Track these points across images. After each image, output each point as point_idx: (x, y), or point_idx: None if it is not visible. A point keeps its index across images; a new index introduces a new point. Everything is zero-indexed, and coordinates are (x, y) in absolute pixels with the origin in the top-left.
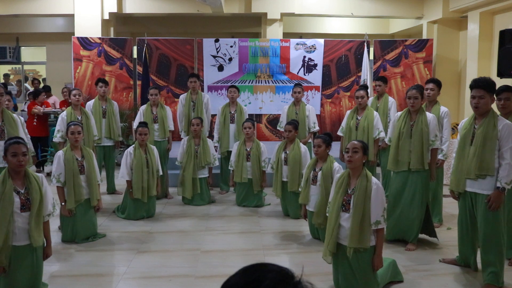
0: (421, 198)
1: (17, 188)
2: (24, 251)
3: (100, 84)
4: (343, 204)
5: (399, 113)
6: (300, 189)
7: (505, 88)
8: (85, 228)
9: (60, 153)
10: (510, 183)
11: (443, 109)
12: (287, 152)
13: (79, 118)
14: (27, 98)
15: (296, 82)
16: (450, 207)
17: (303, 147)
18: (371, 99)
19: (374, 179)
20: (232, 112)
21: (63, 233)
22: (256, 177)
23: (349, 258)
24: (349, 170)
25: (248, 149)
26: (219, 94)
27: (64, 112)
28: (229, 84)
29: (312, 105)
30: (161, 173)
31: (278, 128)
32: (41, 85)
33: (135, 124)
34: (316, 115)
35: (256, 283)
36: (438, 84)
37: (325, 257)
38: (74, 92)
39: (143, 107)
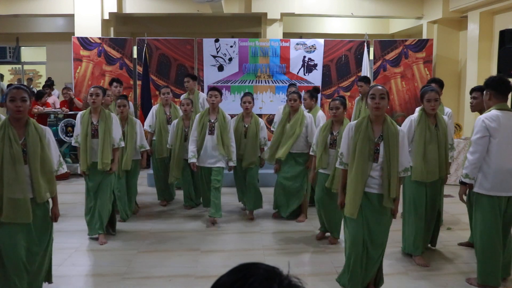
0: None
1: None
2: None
3: (115, 84)
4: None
5: (413, 118)
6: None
7: (478, 88)
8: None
9: (80, 114)
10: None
11: (447, 110)
12: (334, 133)
13: (95, 123)
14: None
15: (290, 83)
16: (450, 207)
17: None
18: (357, 99)
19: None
20: (212, 121)
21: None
22: (249, 153)
23: (377, 207)
24: (369, 118)
25: (246, 126)
26: None
27: (79, 115)
28: (229, 84)
29: None
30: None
31: (272, 128)
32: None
33: (145, 125)
34: None
35: (243, 281)
36: (440, 84)
37: (350, 215)
38: (91, 91)
39: (156, 107)
